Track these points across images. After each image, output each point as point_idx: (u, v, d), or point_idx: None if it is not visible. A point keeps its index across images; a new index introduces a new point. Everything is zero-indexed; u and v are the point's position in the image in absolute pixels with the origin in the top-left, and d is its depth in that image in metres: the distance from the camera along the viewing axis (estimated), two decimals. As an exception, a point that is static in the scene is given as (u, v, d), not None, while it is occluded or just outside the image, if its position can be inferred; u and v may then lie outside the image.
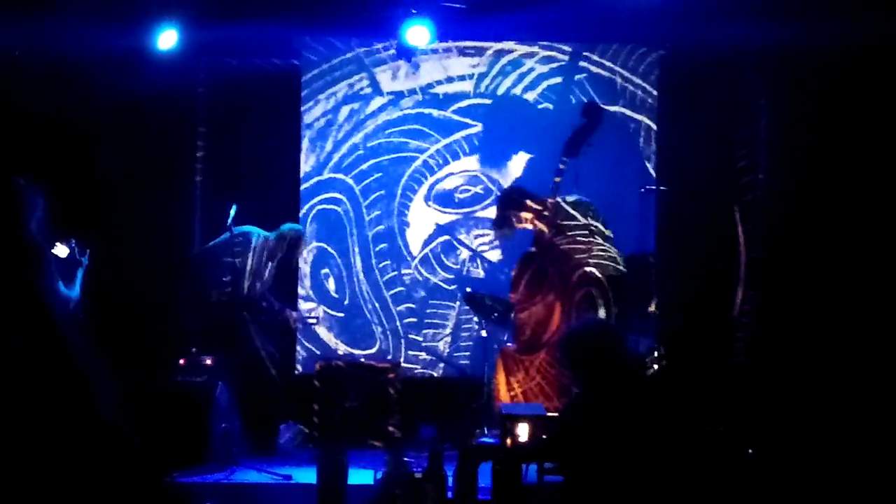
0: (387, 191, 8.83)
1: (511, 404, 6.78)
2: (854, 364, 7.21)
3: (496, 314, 7.77)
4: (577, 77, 8.74)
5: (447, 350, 8.72)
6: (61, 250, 5.95)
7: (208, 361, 7.23)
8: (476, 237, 8.77)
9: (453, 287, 8.73)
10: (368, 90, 8.87)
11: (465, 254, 8.79)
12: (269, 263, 7.85)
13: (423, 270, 8.80)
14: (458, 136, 8.80)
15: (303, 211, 8.80)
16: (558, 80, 8.75)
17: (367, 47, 8.85)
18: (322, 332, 8.77)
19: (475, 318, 8.21)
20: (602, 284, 6.96)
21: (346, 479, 5.57)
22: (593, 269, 6.98)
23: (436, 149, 8.80)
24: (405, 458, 5.49)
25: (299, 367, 8.68)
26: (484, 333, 7.90)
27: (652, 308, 7.44)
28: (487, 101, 8.81)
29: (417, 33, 7.98)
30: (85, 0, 7.55)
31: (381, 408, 7.77)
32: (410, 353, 8.73)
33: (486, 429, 7.37)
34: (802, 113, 7.89)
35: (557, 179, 7.20)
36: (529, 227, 7.32)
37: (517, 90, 8.78)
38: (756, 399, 7.58)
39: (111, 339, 4.35)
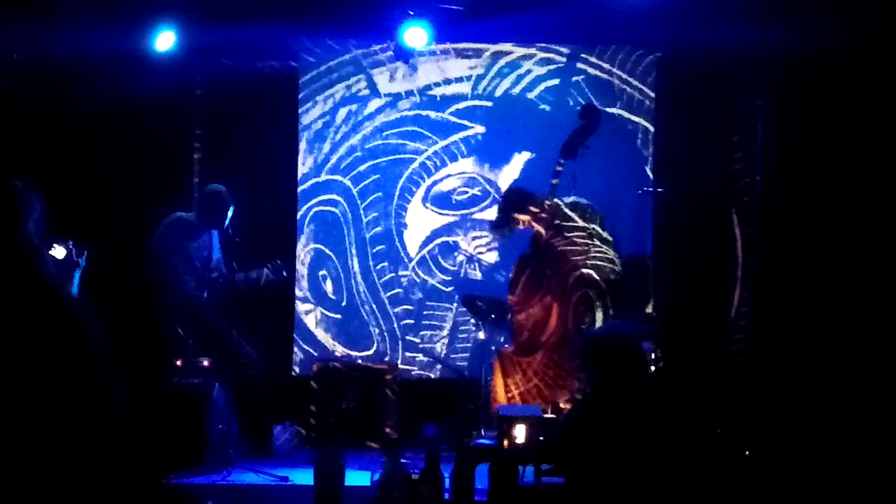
0: (384, 192, 8.83)
1: (508, 406, 6.79)
2: (852, 366, 7.21)
3: (493, 316, 7.78)
4: (574, 79, 8.74)
5: (444, 352, 8.73)
6: (58, 251, 5.93)
7: (205, 363, 7.22)
8: (473, 239, 8.77)
9: (451, 289, 8.73)
10: (366, 92, 8.88)
11: (462, 255, 8.78)
12: (203, 237, 7.63)
13: (420, 272, 8.80)
14: (455, 137, 8.80)
15: (300, 213, 8.81)
16: (556, 81, 8.75)
17: (365, 49, 8.85)
18: (319, 333, 8.76)
19: (472, 320, 8.21)
20: (599, 286, 6.96)
21: (342, 481, 5.56)
22: (590, 271, 6.99)
23: (433, 150, 8.81)
24: (402, 460, 5.49)
25: (296, 369, 8.68)
26: (481, 335, 7.90)
27: (649, 310, 7.45)
28: (486, 104, 8.81)
29: (415, 35, 7.98)
30: (82, 2, 7.54)
31: (379, 409, 7.78)
32: (408, 354, 8.73)
33: (483, 430, 7.37)
34: (800, 115, 7.90)
35: (555, 181, 7.22)
36: (528, 227, 7.33)
37: (515, 92, 8.78)
38: (753, 401, 7.58)
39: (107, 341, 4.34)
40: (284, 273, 7.90)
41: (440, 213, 8.82)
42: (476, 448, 6.69)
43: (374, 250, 8.82)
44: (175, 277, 7.39)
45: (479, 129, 8.80)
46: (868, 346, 7.25)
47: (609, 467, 4.63)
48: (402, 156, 8.83)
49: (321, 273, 8.83)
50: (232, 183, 8.34)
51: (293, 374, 8.64)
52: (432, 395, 8.42)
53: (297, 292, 8.76)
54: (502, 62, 8.81)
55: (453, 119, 8.81)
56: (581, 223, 7.14)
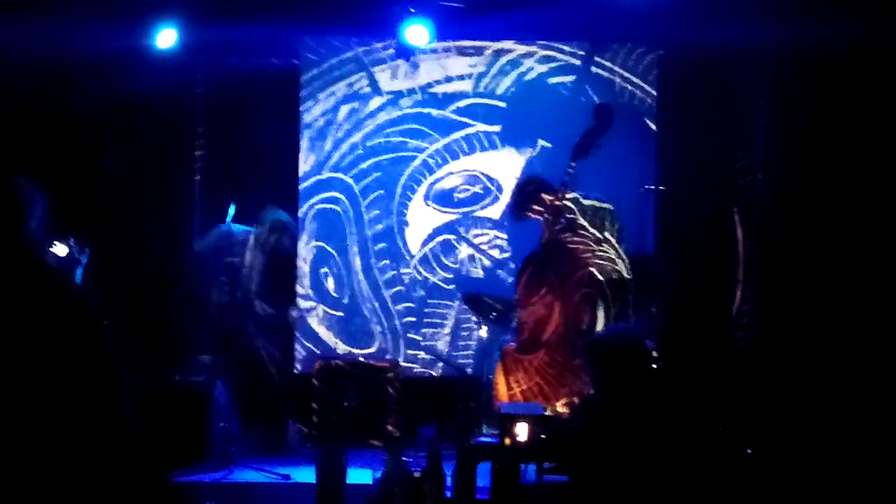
0: (386, 190, 8.83)
1: (510, 404, 6.80)
2: (853, 363, 7.21)
3: (495, 314, 7.78)
4: (576, 77, 8.73)
5: (446, 349, 8.73)
6: (60, 249, 5.96)
7: (207, 360, 7.23)
8: (475, 237, 8.77)
9: (452, 286, 8.73)
10: (367, 90, 8.87)
11: (464, 253, 8.79)
12: (260, 258, 7.79)
13: (422, 270, 8.80)
14: (457, 135, 8.80)
15: (302, 210, 8.81)
16: (557, 79, 8.75)
17: (367, 47, 8.85)
18: (321, 331, 8.77)
19: (474, 318, 8.21)
20: (601, 285, 6.96)
21: (344, 479, 5.57)
22: (593, 270, 6.99)
23: (435, 148, 8.81)
24: (404, 458, 5.50)
25: (298, 367, 8.69)
26: (483, 333, 7.91)
27: (651, 308, 7.45)
28: (488, 101, 8.81)
29: (416, 33, 7.98)
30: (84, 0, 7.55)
31: (380, 407, 7.78)
32: (409, 352, 8.73)
33: (484, 428, 7.38)
34: (801, 113, 7.89)
35: (570, 171, 7.19)
36: (539, 217, 7.32)
37: (516, 90, 8.79)
38: (755, 399, 7.58)
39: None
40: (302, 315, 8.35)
41: (442, 211, 8.82)
42: (478, 446, 6.71)
43: (375, 248, 8.82)
44: (208, 280, 7.51)
45: (481, 126, 8.79)
46: (869, 343, 7.25)
47: (612, 466, 4.64)
48: (403, 153, 8.83)
49: (323, 271, 8.83)
50: (233, 181, 8.37)
51: (295, 371, 8.64)
52: (434, 392, 8.42)
53: (299, 290, 8.76)
54: (503, 60, 8.81)
55: (455, 117, 8.81)
56: (588, 225, 7.14)
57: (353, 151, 8.85)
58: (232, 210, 7.46)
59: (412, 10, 7.94)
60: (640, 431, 4.66)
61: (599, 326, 6.85)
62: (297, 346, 8.74)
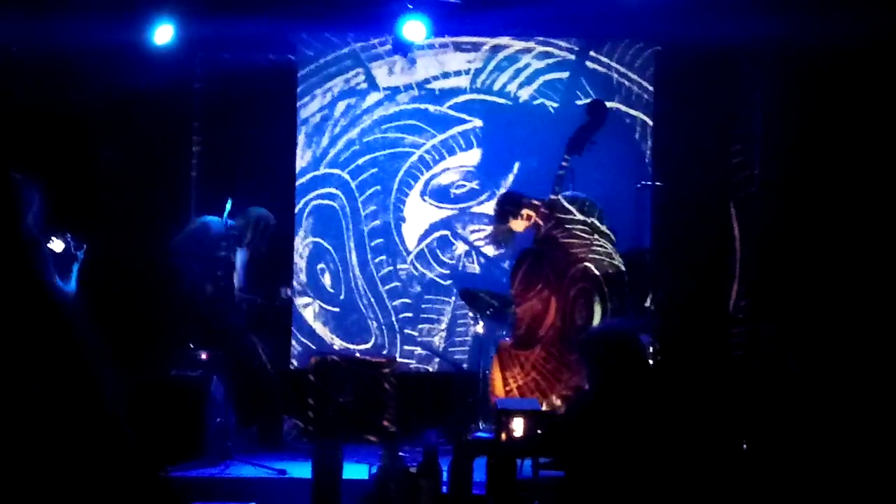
0: (383, 186, 8.83)
1: (506, 399, 6.79)
2: (850, 358, 7.22)
3: (491, 309, 7.79)
4: (573, 72, 8.74)
5: (442, 345, 8.73)
6: (57, 244, 5.94)
7: (203, 356, 7.23)
8: (472, 232, 8.78)
9: (449, 282, 8.73)
10: (364, 85, 8.87)
11: (460, 249, 8.79)
12: (242, 253, 7.74)
13: (418, 265, 8.80)
14: (454, 131, 8.80)
15: (298, 206, 8.81)
16: (554, 75, 8.75)
17: (363, 42, 8.84)
18: (318, 326, 8.77)
19: (470, 314, 8.22)
20: (598, 280, 6.96)
21: (340, 474, 5.57)
22: (589, 265, 6.98)
23: (432, 144, 8.81)
24: (400, 453, 5.50)
25: (294, 362, 8.69)
26: (479, 329, 7.91)
27: (647, 303, 7.45)
28: (485, 97, 8.81)
29: (413, 29, 7.99)
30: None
31: (377, 403, 7.78)
32: (406, 348, 8.73)
33: (481, 424, 7.38)
34: (798, 108, 7.90)
35: (561, 172, 7.19)
36: (528, 226, 7.32)
37: (513, 86, 8.78)
38: (751, 394, 7.59)
39: (105, 334, 4.35)
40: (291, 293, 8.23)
41: (439, 207, 8.82)
42: (474, 441, 6.70)
43: (372, 244, 8.82)
44: (191, 275, 7.45)
45: (478, 122, 8.79)
46: (866, 338, 7.26)
47: (607, 460, 4.64)
48: (400, 149, 8.83)
49: (319, 266, 8.83)
50: (230, 176, 8.37)
51: (291, 367, 8.64)
52: (430, 388, 8.43)
53: (296, 285, 8.76)
54: (501, 56, 8.81)
55: (452, 113, 8.81)
56: (580, 217, 7.13)
57: (349, 147, 8.85)
58: (228, 205, 7.45)
59: (409, 6, 7.94)
60: (636, 426, 4.67)
61: (596, 321, 6.84)
62: (293, 342, 8.74)
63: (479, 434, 7.18)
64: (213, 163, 8.71)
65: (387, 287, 8.79)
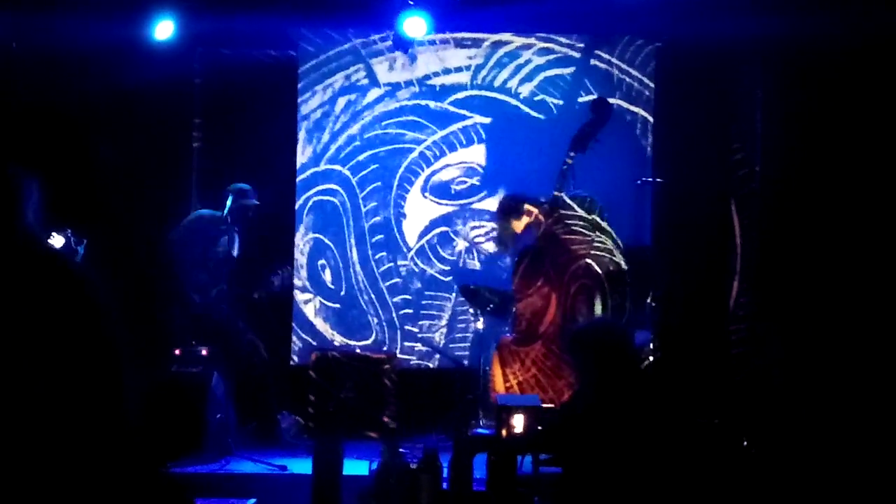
0: (383, 182, 8.83)
1: (507, 395, 6.79)
2: (850, 357, 7.22)
3: (492, 305, 7.79)
4: (573, 69, 8.73)
5: (443, 341, 8.73)
6: (57, 240, 5.95)
7: (203, 352, 7.23)
8: (472, 229, 8.78)
9: (449, 279, 8.73)
10: (365, 81, 8.87)
11: (461, 245, 8.79)
12: (236, 238, 7.75)
13: (419, 262, 8.80)
14: (454, 127, 8.80)
15: (299, 202, 8.81)
16: (555, 71, 8.75)
17: (364, 38, 8.84)
18: (318, 322, 8.77)
19: (471, 310, 8.22)
20: (598, 277, 6.96)
21: (341, 470, 5.57)
22: (590, 262, 6.98)
23: (432, 140, 8.80)
24: (400, 449, 5.50)
25: (295, 358, 8.69)
26: (480, 325, 7.91)
27: (648, 300, 7.45)
28: (484, 94, 8.81)
29: (414, 24, 7.98)
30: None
31: (377, 399, 7.77)
32: (406, 344, 8.74)
33: (481, 420, 7.38)
34: (799, 105, 7.89)
35: (564, 169, 7.18)
36: (529, 222, 7.31)
37: (514, 82, 8.78)
38: (751, 391, 7.59)
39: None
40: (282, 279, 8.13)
41: (439, 203, 8.82)
42: (474, 438, 6.70)
43: (372, 240, 8.82)
44: (186, 270, 7.45)
45: (479, 118, 8.79)
46: (866, 336, 7.26)
47: (604, 457, 4.64)
48: (401, 145, 8.82)
49: (320, 262, 8.83)
50: (230, 172, 8.36)
51: (292, 363, 8.65)
52: (431, 384, 8.42)
53: (296, 281, 8.76)
54: (501, 52, 8.80)
55: (452, 109, 8.80)
56: (580, 213, 7.13)
57: (350, 143, 8.85)
58: (229, 201, 7.45)
59: (410, 2, 7.93)
60: (628, 421, 4.66)
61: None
62: (294, 338, 8.74)
63: (480, 430, 7.17)
64: (213, 158, 8.71)
65: (387, 283, 8.80)
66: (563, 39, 8.76)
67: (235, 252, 7.73)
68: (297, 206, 8.78)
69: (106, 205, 8.07)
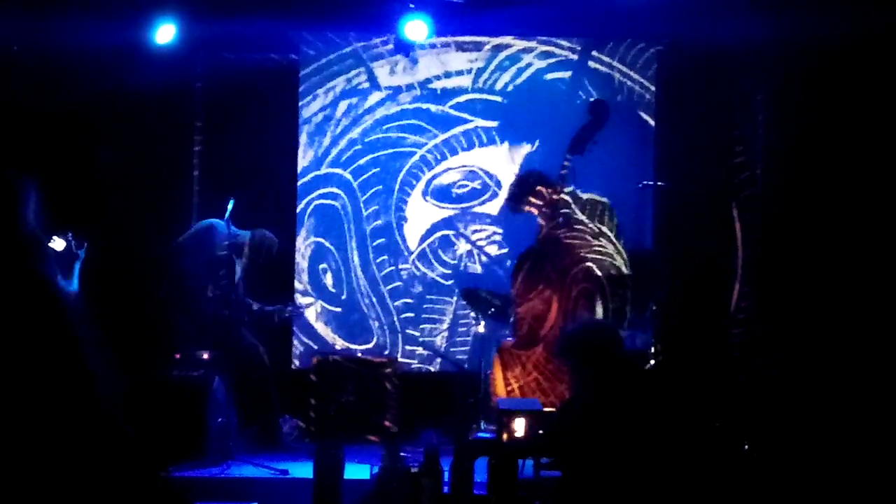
0: (384, 186, 8.83)
1: (508, 399, 6.79)
2: (852, 359, 7.22)
3: (493, 309, 7.79)
4: (575, 72, 8.73)
5: (444, 345, 8.73)
6: (58, 244, 5.93)
7: (205, 356, 7.23)
8: (474, 232, 8.77)
9: (451, 282, 8.73)
10: (366, 85, 8.87)
11: (462, 249, 8.79)
12: (241, 261, 7.78)
13: (420, 265, 8.80)
14: (455, 131, 8.80)
15: (300, 206, 8.81)
16: (556, 75, 8.75)
17: (365, 42, 8.84)
18: (319, 326, 8.77)
19: (472, 314, 8.21)
20: (600, 281, 6.96)
21: (342, 474, 5.57)
22: (592, 266, 6.98)
23: (433, 144, 8.80)
24: (401, 453, 5.50)
25: (296, 362, 8.69)
26: (481, 329, 7.91)
27: (650, 303, 7.44)
28: (487, 97, 8.81)
29: (415, 28, 7.97)
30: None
31: (378, 403, 7.78)
32: (407, 348, 8.73)
33: (482, 424, 7.37)
34: (800, 108, 7.89)
35: (563, 172, 7.18)
36: (535, 212, 7.31)
37: (515, 85, 8.78)
38: (753, 395, 7.58)
39: (107, 334, 4.35)
40: (297, 311, 8.30)
41: (440, 207, 8.82)
42: (475, 441, 6.70)
43: (374, 244, 8.82)
44: (190, 277, 7.47)
45: (480, 122, 8.79)
46: (867, 338, 7.25)
47: (603, 461, 4.64)
48: (402, 149, 8.83)
49: (321, 266, 8.83)
50: (231, 176, 8.36)
51: (293, 367, 8.65)
52: (432, 388, 8.42)
53: (298, 285, 8.76)
54: (503, 55, 8.81)
55: (453, 112, 8.80)
56: (583, 217, 7.13)
57: (351, 147, 8.85)
58: (231, 205, 7.45)
59: (411, 6, 7.93)
60: (632, 424, 4.66)
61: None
62: (295, 342, 8.74)
63: (481, 434, 7.17)
64: (214, 162, 8.71)
65: (388, 287, 8.79)
66: (564, 43, 8.76)
67: (238, 274, 7.73)
68: (298, 210, 8.78)
69: (107, 208, 8.08)
